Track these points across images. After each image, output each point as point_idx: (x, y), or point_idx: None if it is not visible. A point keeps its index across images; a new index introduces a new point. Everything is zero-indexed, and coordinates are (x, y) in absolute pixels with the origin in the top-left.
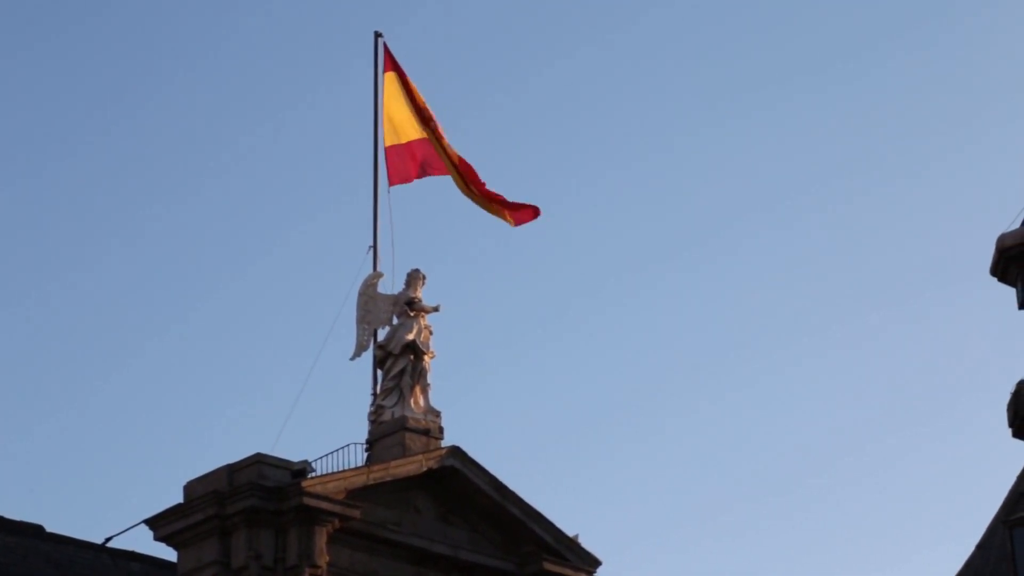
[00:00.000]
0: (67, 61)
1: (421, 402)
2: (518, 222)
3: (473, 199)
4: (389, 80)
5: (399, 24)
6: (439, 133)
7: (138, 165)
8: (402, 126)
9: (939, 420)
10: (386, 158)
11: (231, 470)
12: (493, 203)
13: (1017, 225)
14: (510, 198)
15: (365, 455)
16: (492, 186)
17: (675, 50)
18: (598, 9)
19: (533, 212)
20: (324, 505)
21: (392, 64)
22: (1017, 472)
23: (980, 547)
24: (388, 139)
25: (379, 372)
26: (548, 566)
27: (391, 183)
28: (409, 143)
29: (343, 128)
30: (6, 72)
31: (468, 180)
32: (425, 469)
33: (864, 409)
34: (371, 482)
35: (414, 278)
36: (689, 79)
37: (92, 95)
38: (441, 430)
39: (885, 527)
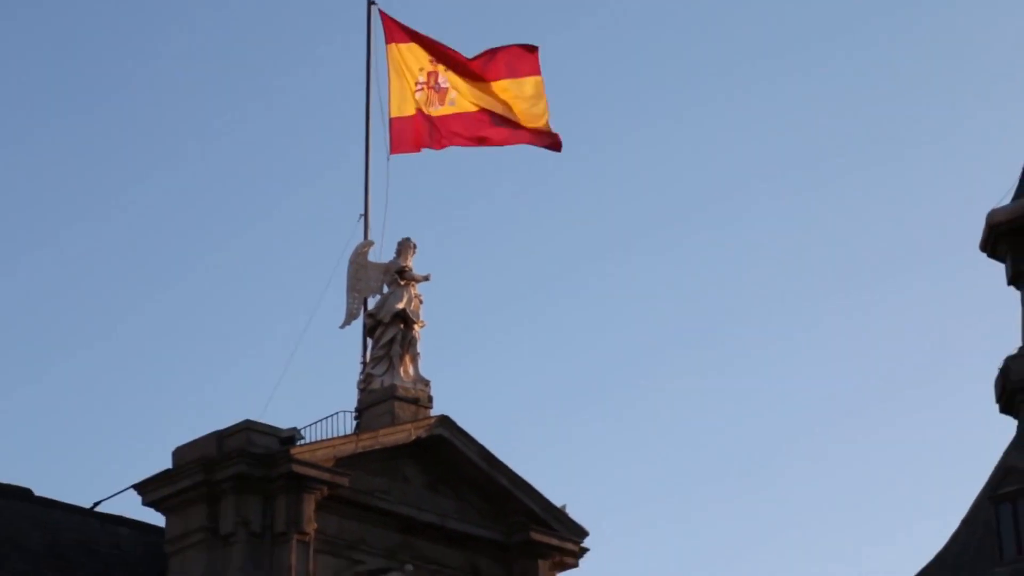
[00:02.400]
0: (53, 29)
1: (410, 371)
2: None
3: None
4: (393, 51)
5: None
6: (461, 61)
7: (132, 132)
8: (407, 99)
9: (926, 395)
10: (390, 128)
11: (220, 436)
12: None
13: (1007, 201)
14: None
15: (354, 423)
16: None
17: (673, 24)
18: None
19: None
20: (312, 472)
21: (397, 33)
22: (1003, 448)
23: (966, 522)
24: (393, 110)
25: (369, 341)
26: (535, 536)
27: (392, 151)
28: (414, 116)
29: (338, 96)
30: None
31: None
32: (414, 438)
33: (852, 384)
34: (360, 450)
35: (405, 247)
36: (690, 55)
37: (84, 66)
38: (430, 399)
39: (872, 501)
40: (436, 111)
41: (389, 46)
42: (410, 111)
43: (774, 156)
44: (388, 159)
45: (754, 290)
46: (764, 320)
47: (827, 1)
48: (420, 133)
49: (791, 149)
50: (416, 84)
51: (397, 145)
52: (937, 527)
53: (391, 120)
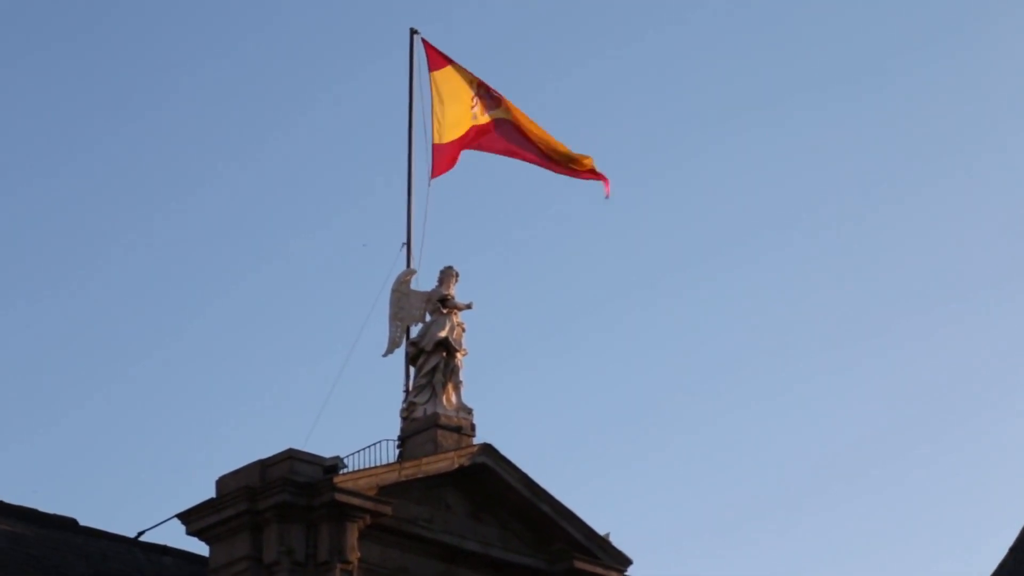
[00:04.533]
0: (97, 48)
1: (453, 399)
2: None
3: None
4: (437, 78)
5: (435, 21)
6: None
7: (175, 157)
8: (452, 124)
9: (972, 422)
10: (432, 155)
11: (263, 465)
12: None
13: None
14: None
15: (397, 452)
16: None
17: (706, 53)
18: (626, 12)
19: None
20: (355, 501)
21: (441, 60)
22: None
23: (1013, 550)
24: (436, 137)
25: (411, 369)
26: (579, 564)
27: (433, 175)
28: (459, 138)
29: (380, 125)
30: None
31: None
32: (457, 466)
33: (896, 411)
34: (403, 479)
35: (447, 275)
36: (744, 78)
37: (123, 93)
38: (473, 427)
39: (917, 530)
40: (479, 120)
41: (433, 74)
42: (457, 134)
43: (817, 183)
44: (429, 184)
45: (802, 318)
46: (809, 349)
47: (877, 26)
48: (458, 148)
49: (834, 176)
50: (472, 100)
51: (438, 168)
52: (983, 555)
53: (434, 146)
